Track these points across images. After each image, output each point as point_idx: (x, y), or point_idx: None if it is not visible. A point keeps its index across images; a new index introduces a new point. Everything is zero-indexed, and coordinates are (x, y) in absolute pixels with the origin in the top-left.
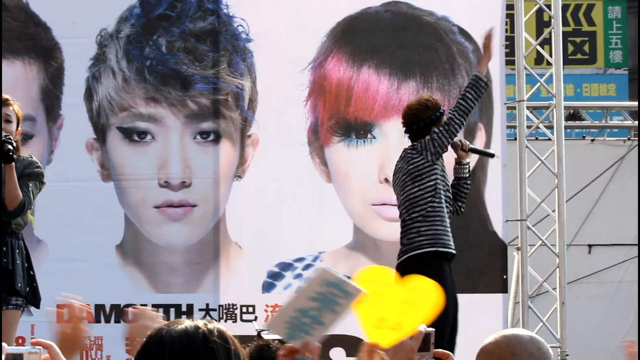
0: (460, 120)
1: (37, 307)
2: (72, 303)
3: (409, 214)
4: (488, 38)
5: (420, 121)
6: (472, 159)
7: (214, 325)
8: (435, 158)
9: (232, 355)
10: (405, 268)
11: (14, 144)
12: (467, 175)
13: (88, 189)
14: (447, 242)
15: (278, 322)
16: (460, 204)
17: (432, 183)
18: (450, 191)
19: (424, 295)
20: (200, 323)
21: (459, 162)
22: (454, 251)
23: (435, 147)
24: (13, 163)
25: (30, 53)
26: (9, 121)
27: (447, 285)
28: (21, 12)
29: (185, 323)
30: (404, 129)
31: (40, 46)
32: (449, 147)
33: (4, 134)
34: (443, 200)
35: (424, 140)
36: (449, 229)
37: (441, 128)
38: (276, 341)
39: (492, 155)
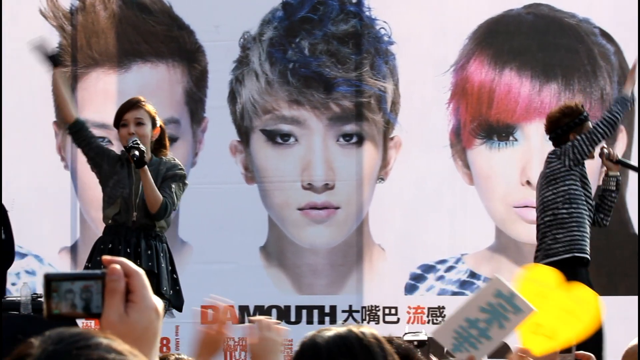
0: (604, 131)
1: (180, 310)
2: (217, 304)
3: (542, 217)
4: (634, 67)
5: (559, 127)
6: None
7: (364, 328)
8: (574, 164)
9: (387, 355)
10: None
11: (142, 149)
12: (614, 188)
13: (232, 191)
14: (584, 247)
15: (446, 330)
16: (602, 215)
17: (566, 188)
18: (592, 199)
19: (585, 307)
20: (352, 327)
21: (606, 174)
22: (589, 257)
23: (575, 153)
24: (145, 167)
25: (174, 56)
26: (141, 124)
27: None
28: (165, 15)
29: (336, 329)
30: (548, 135)
31: (184, 49)
32: (596, 155)
33: (131, 139)
34: (581, 206)
35: (565, 145)
36: (587, 235)
37: (583, 136)
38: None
39: (638, 170)
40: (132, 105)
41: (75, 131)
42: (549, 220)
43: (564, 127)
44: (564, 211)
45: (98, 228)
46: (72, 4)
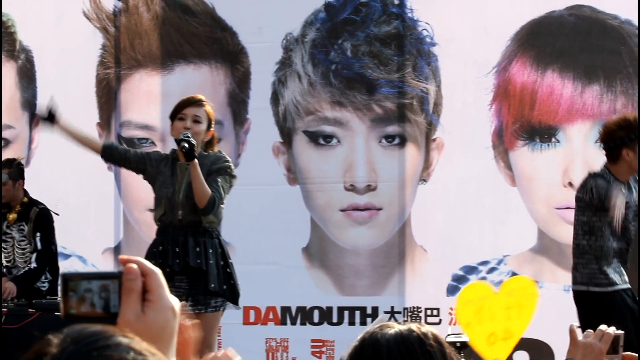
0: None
1: (236, 303)
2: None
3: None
4: None
5: (612, 140)
6: None
7: (426, 328)
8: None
9: (447, 358)
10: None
11: (192, 142)
12: None
13: (274, 193)
14: (600, 281)
15: None
16: None
17: (585, 219)
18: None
19: (522, 294)
20: (413, 326)
21: None
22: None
23: (592, 196)
24: (195, 160)
25: (217, 57)
26: (198, 122)
27: (624, 316)
28: (208, 17)
29: (398, 326)
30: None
31: (226, 51)
32: None
33: (183, 132)
34: (604, 237)
35: (590, 182)
36: (612, 265)
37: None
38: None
39: None
40: (194, 102)
41: (108, 157)
42: (573, 247)
43: (617, 140)
44: (585, 242)
45: (141, 229)
46: (115, 6)
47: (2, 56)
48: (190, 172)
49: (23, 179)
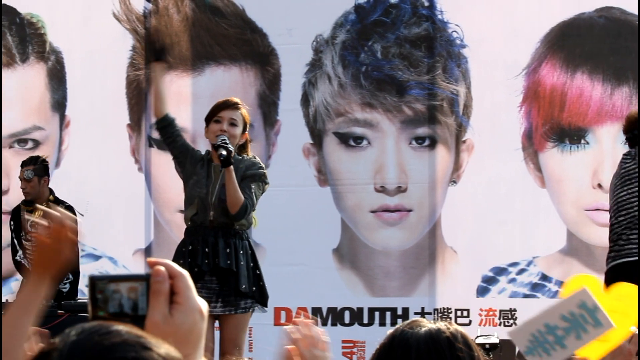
0: None
1: (265, 305)
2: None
3: (616, 217)
4: None
5: (636, 128)
6: None
7: (455, 328)
8: None
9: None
10: (614, 275)
11: (230, 149)
12: None
13: (305, 194)
14: None
15: (523, 332)
16: None
17: None
18: None
19: (629, 303)
20: (442, 326)
21: None
22: None
23: None
24: (231, 167)
25: (247, 59)
26: (234, 125)
27: None
28: (238, 18)
29: (428, 325)
30: (624, 135)
31: (257, 52)
32: None
33: (220, 138)
34: None
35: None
36: None
37: None
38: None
39: None
40: (230, 104)
41: (163, 126)
42: (623, 221)
43: (636, 131)
44: (637, 211)
45: (172, 230)
46: (145, 7)
47: (32, 58)
48: (225, 178)
49: (48, 175)
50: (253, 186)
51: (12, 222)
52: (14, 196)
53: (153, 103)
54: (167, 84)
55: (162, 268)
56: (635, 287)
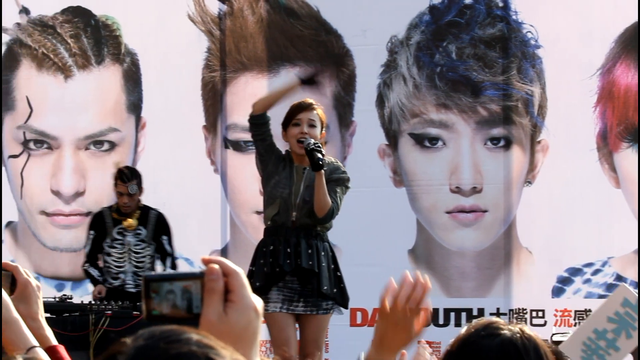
0: None
1: (346, 307)
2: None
3: None
4: None
5: None
6: None
7: (528, 334)
8: None
9: None
10: None
11: (323, 152)
12: None
13: (380, 195)
14: None
15: (575, 343)
16: None
17: None
18: None
19: None
20: (517, 332)
21: None
22: None
23: None
24: (322, 171)
25: (322, 60)
26: (313, 125)
27: None
28: (312, 20)
29: (503, 332)
30: None
31: (331, 53)
32: None
33: (313, 141)
34: None
35: None
36: None
37: None
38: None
39: None
40: (306, 106)
41: (258, 123)
42: None
43: None
44: None
45: (248, 231)
46: (220, 9)
47: (108, 60)
48: (316, 182)
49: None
50: (338, 190)
51: (92, 231)
52: (90, 198)
53: (259, 99)
54: (242, 85)
55: (217, 266)
56: None
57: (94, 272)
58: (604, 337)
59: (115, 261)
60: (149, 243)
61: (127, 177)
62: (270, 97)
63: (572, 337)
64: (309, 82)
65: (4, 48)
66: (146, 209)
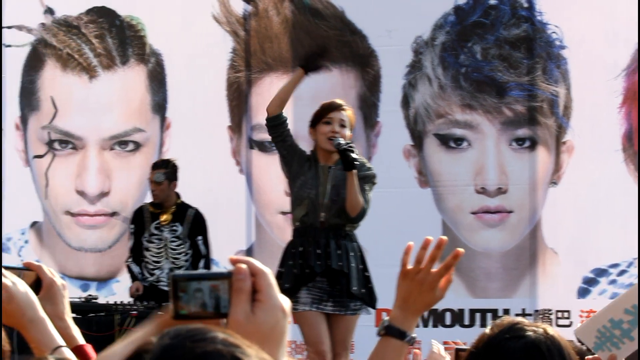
0: None
1: (374, 307)
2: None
3: None
4: None
5: None
6: None
7: (553, 335)
8: None
9: None
10: None
11: (356, 152)
12: None
13: (406, 195)
14: None
15: (589, 330)
16: None
17: None
18: None
19: None
20: (541, 334)
21: None
22: None
23: None
24: (355, 170)
25: (347, 61)
26: (344, 126)
27: None
28: (337, 20)
29: (527, 333)
30: None
31: (356, 54)
32: None
33: (344, 141)
34: None
35: None
36: None
37: None
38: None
39: None
40: (337, 106)
41: (274, 124)
42: None
43: None
44: None
45: (273, 231)
46: (245, 9)
47: (133, 60)
48: (348, 181)
49: (177, 179)
50: (367, 188)
51: (133, 225)
52: (115, 199)
53: (271, 101)
54: (267, 86)
55: (244, 266)
56: None
57: (135, 269)
58: (619, 327)
59: (153, 256)
60: (184, 240)
61: (157, 165)
62: (281, 95)
63: (587, 322)
64: (313, 68)
65: (28, 48)
66: (184, 206)
